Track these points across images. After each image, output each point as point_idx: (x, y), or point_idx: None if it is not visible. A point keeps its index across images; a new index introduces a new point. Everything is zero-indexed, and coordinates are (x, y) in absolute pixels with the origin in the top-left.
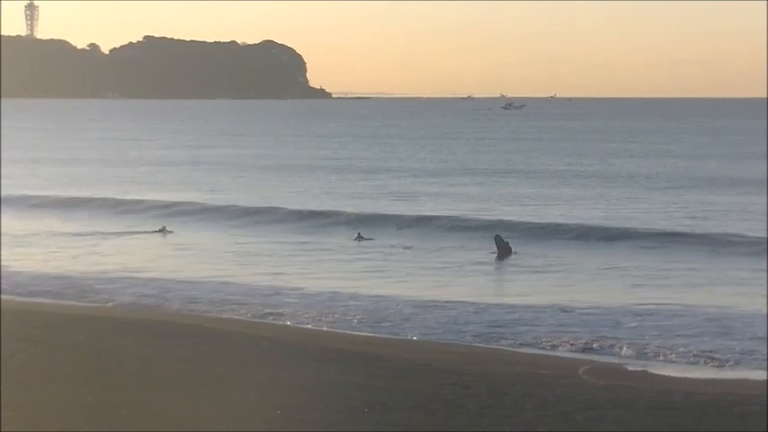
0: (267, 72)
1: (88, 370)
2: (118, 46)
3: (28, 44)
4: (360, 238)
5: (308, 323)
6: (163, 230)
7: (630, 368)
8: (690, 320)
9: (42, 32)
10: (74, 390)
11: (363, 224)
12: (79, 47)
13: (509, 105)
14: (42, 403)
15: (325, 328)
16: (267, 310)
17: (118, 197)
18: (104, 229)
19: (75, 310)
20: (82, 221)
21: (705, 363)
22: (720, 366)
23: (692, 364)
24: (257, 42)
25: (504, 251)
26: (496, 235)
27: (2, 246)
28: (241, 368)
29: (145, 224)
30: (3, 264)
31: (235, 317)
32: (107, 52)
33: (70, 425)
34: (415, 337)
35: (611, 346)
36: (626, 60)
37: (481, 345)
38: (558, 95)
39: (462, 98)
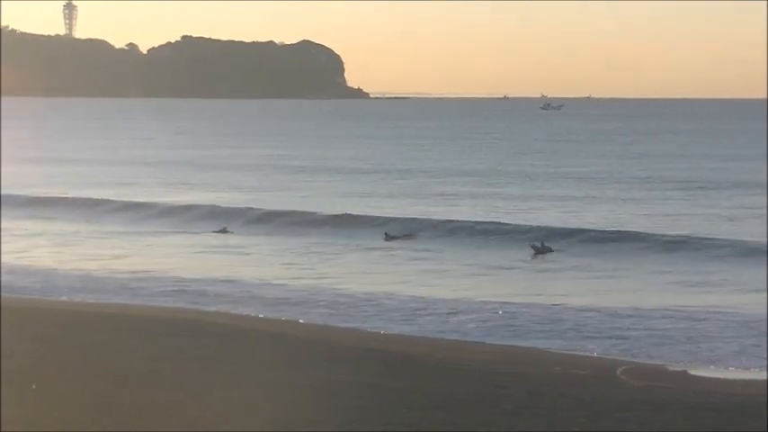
0: (305, 72)
1: (102, 369)
2: (156, 45)
3: (66, 44)
4: (389, 237)
5: (343, 323)
6: (224, 231)
7: (669, 369)
8: (730, 323)
9: (81, 32)
10: (85, 389)
11: (402, 225)
12: (117, 46)
13: (547, 106)
14: (61, 402)
15: (359, 328)
16: (303, 311)
17: (171, 199)
18: (165, 229)
19: (108, 309)
20: (142, 221)
21: (744, 364)
22: (759, 368)
23: (732, 365)
24: (295, 42)
25: (541, 252)
26: (532, 244)
27: (48, 246)
28: (276, 369)
29: (205, 225)
30: (44, 263)
31: (271, 317)
32: (145, 52)
33: (77, 424)
34: (450, 337)
35: (650, 347)
36: (664, 61)
37: (518, 344)
38: (593, 96)
39: (498, 98)
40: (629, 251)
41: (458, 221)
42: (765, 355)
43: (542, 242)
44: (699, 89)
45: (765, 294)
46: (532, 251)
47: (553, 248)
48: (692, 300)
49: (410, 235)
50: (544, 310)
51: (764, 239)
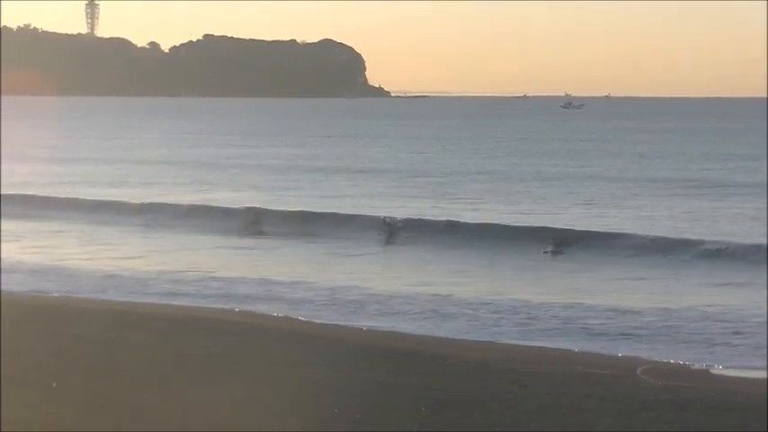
0: (326, 71)
1: (107, 367)
2: (178, 44)
3: (88, 42)
4: (386, 225)
5: (362, 322)
6: (256, 224)
7: (691, 368)
8: (751, 322)
9: (102, 31)
10: (88, 386)
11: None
12: (139, 45)
13: (568, 105)
14: (63, 399)
15: (380, 328)
16: (325, 311)
17: (191, 198)
18: (187, 227)
19: (122, 307)
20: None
21: (765, 364)
22: None
23: (753, 364)
24: (316, 41)
25: (554, 253)
26: (544, 250)
27: (68, 245)
28: (296, 367)
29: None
30: (64, 262)
31: (292, 316)
32: (167, 51)
33: (76, 422)
34: (468, 336)
35: (670, 346)
36: (685, 59)
37: (536, 344)
38: (612, 95)
39: (518, 97)
40: (648, 252)
41: (476, 222)
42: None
43: (554, 240)
44: (723, 88)
45: None
46: (544, 251)
47: (564, 251)
48: (713, 299)
49: (404, 224)
50: (561, 309)
51: None
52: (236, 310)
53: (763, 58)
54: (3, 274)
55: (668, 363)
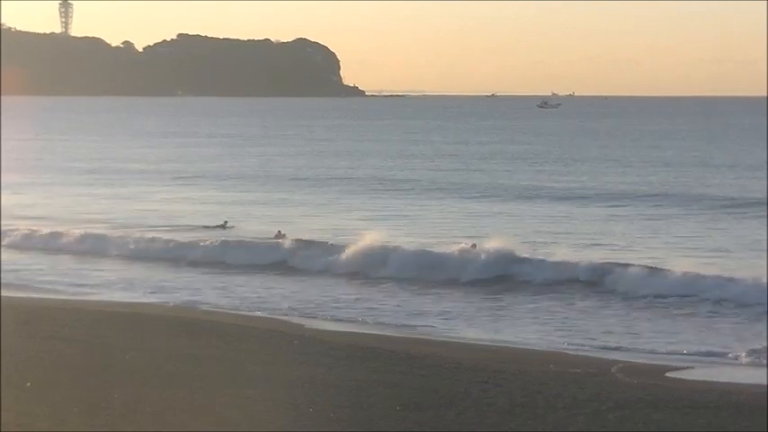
0: (301, 70)
1: (97, 367)
2: (152, 44)
3: (62, 42)
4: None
5: (339, 321)
6: (224, 225)
7: (665, 366)
8: (725, 321)
9: (77, 30)
10: (85, 387)
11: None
12: (113, 44)
13: (545, 104)
14: (58, 399)
15: (356, 327)
16: (301, 309)
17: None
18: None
19: (117, 308)
20: None
21: (740, 362)
22: (757, 366)
23: (727, 363)
24: (291, 40)
25: None
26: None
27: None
28: (273, 366)
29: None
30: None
31: (268, 316)
32: (141, 50)
33: (74, 423)
34: (443, 337)
35: (644, 345)
36: (652, 59)
37: (512, 343)
38: (576, 93)
39: (487, 96)
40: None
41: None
42: (765, 354)
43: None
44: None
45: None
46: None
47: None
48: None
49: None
50: (536, 309)
51: None
52: (223, 312)
53: (749, 57)
54: None
55: (642, 362)
